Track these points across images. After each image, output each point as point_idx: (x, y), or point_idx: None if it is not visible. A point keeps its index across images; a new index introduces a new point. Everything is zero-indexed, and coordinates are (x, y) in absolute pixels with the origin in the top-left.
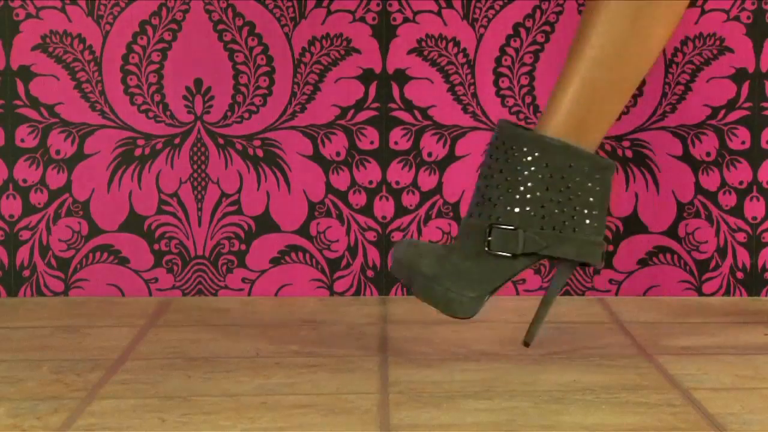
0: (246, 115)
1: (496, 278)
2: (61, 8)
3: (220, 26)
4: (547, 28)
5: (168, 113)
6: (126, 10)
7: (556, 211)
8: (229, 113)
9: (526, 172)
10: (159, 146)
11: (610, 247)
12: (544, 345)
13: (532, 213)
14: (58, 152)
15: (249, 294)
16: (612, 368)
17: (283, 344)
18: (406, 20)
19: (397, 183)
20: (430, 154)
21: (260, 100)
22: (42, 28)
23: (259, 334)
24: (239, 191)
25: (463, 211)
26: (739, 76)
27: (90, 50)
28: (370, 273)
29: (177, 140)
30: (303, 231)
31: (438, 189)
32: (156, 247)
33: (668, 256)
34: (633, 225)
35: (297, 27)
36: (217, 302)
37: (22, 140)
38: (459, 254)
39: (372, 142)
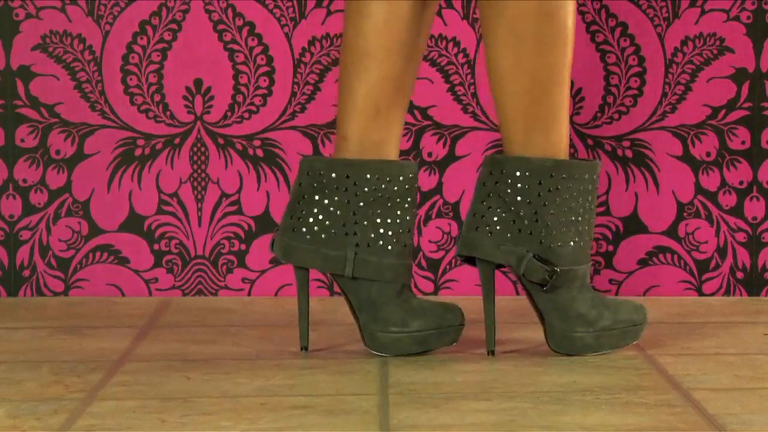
0: (246, 115)
1: None
2: (61, 8)
3: (220, 26)
4: None
5: (168, 113)
6: (126, 10)
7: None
8: (229, 113)
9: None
10: (159, 146)
11: (611, 248)
12: (543, 346)
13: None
14: (58, 152)
15: (249, 294)
16: (612, 369)
17: (283, 345)
18: None
19: None
20: (430, 154)
21: (260, 100)
22: (42, 28)
23: (259, 335)
24: (239, 191)
25: (464, 211)
26: (739, 76)
27: (90, 50)
28: None
29: (177, 140)
30: None
31: (438, 189)
32: (156, 247)
33: (668, 256)
34: (633, 225)
35: (297, 27)
36: (217, 302)
37: (22, 140)
38: None
39: None
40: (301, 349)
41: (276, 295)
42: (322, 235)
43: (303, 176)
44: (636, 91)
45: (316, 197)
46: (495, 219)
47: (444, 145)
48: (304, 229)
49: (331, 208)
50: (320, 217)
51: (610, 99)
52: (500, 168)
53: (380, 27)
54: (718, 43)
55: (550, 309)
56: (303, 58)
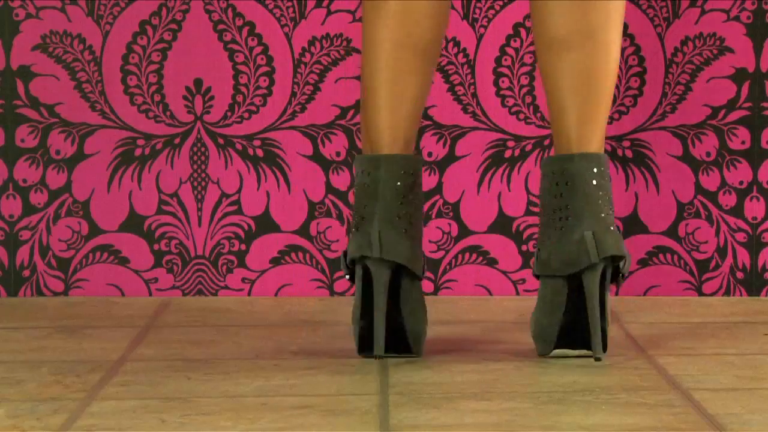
0: (246, 115)
1: None
2: (61, 8)
3: (220, 26)
4: None
5: (168, 113)
6: (126, 10)
7: None
8: (229, 113)
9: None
10: (159, 146)
11: None
12: None
13: None
14: (58, 152)
15: (249, 294)
16: (612, 368)
17: (283, 345)
18: None
19: None
20: (430, 154)
21: (260, 100)
22: (42, 28)
23: (259, 335)
24: (239, 191)
25: (464, 210)
26: (739, 76)
27: (90, 50)
28: None
29: (177, 140)
30: (303, 231)
31: (438, 189)
32: (156, 247)
33: (668, 256)
34: (633, 225)
35: (297, 27)
36: (217, 302)
37: (22, 140)
38: None
39: None
40: (376, 357)
41: (276, 295)
42: (418, 235)
43: (399, 174)
44: (636, 91)
45: (411, 196)
46: None
47: (444, 145)
48: (406, 229)
49: (418, 208)
50: (417, 215)
51: None
52: (590, 167)
53: (409, 27)
54: (718, 43)
55: (605, 311)
56: (303, 58)
